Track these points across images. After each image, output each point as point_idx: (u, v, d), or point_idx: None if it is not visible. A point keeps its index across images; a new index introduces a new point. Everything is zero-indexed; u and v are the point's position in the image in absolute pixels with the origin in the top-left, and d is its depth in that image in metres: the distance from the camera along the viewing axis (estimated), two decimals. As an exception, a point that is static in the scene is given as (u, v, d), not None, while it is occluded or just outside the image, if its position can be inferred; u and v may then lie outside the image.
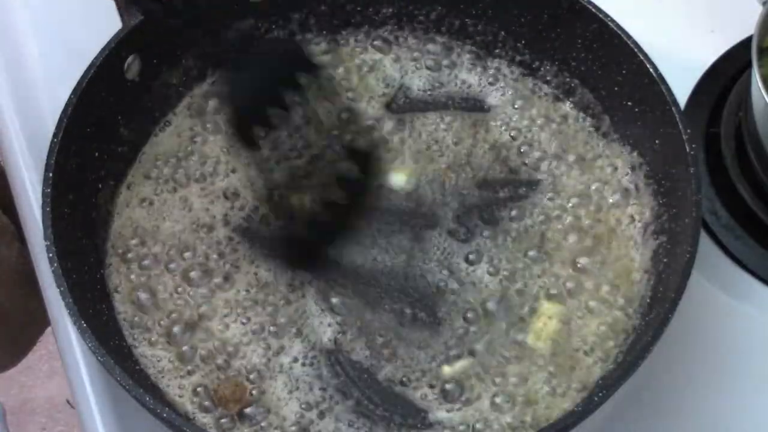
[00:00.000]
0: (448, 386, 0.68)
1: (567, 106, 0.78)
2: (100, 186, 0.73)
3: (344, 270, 0.72)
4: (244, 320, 0.71)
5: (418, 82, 0.80)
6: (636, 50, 0.71)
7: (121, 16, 0.85)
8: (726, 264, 0.78)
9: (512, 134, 0.78)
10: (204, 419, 0.67)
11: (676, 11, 0.89)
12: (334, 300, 0.71)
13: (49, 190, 0.66)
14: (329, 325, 0.70)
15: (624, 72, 0.73)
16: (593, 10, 0.73)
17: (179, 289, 0.72)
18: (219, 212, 0.75)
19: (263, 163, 0.74)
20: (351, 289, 0.72)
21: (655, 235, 0.72)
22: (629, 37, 0.72)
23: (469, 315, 0.71)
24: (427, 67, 0.81)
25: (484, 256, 0.73)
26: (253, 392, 0.68)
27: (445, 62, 0.81)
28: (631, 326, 0.69)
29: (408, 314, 0.71)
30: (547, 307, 0.71)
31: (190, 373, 0.69)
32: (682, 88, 0.79)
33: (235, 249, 0.73)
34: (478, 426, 0.67)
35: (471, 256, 0.73)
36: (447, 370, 0.69)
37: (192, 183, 0.76)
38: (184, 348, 0.69)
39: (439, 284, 0.72)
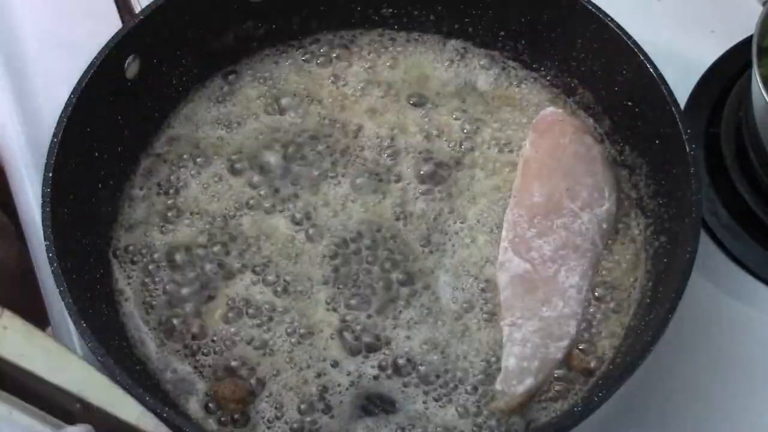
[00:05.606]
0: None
1: (567, 106, 0.78)
2: (100, 186, 0.73)
3: None
4: (245, 320, 0.71)
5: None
6: (636, 50, 0.71)
7: (121, 16, 0.85)
8: (726, 264, 0.78)
9: (511, 133, 0.77)
10: (204, 419, 0.67)
11: (676, 11, 0.89)
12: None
13: (49, 190, 0.66)
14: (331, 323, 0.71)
15: (624, 72, 0.73)
16: (593, 10, 0.73)
17: (179, 289, 0.72)
18: (219, 213, 0.75)
19: None
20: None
21: (655, 235, 0.72)
22: (629, 37, 0.72)
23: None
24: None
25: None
26: (254, 392, 0.68)
27: (445, 62, 0.80)
28: (631, 326, 0.69)
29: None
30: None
31: (190, 373, 0.69)
32: (682, 88, 0.79)
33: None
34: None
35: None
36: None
37: (192, 183, 0.76)
38: (185, 348, 0.69)
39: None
